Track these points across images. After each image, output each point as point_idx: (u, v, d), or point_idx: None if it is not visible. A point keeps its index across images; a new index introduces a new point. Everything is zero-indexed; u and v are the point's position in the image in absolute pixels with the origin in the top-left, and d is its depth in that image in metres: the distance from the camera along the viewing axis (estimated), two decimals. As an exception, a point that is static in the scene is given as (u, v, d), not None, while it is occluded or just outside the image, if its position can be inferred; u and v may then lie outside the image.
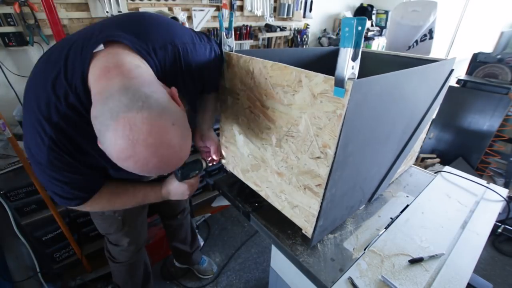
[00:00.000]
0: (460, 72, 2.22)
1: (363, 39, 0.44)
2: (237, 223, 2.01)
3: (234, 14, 2.06)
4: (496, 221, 0.91)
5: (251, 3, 2.12)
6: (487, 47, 2.21)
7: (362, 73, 0.52)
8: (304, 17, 2.52)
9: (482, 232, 0.83)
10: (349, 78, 0.47)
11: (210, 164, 0.94)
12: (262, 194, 0.87)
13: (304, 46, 2.54)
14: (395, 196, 0.99)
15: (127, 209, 0.93)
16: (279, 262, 0.96)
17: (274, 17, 2.32)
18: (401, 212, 0.90)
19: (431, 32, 2.25)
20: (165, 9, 1.73)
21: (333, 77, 0.49)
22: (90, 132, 0.55)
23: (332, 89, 0.50)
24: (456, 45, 2.84)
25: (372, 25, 2.98)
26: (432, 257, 0.72)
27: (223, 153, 1.01)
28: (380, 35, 2.99)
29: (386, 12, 2.98)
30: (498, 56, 2.06)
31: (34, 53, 1.42)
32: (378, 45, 2.92)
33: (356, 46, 0.44)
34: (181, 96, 0.59)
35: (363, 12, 2.98)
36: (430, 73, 0.77)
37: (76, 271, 1.47)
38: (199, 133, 0.93)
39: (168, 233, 1.40)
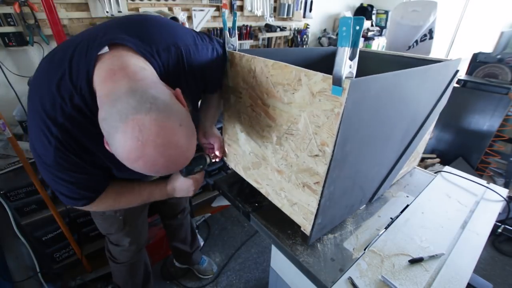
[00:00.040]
0: (460, 72, 2.21)
1: (360, 38, 0.44)
2: (237, 223, 2.01)
3: (237, 13, 2.07)
4: (496, 221, 0.91)
5: (251, 3, 2.12)
6: (487, 47, 2.21)
7: (364, 73, 0.52)
8: (304, 17, 2.52)
9: (482, 232, 0.83)
10: (346, 77, 0.48)
11: (214, 160, 0.95)
12: (262, 191, 0.88)
13: (304, 46, 2.54)
14: (395, 196, 0.99)
15: (128, 209, 0.94)
16: (279, 262, 0.96)
17: (274, 17, 2.32)
18: (401, 212, 0.90)
19: (431, 32, 2.25)
20: (165, 9, 1.73)
21: (331, 76, 0.50)
22: (95, 133, 0.56)
23: (330, 87, 0.51)
24: (456, 45, 2.84)
25: (372, 25, 2.98)
26: (432, 257, 0.72)
27: (226, 150, 1.01)
28: (380, 35, 2.99)
29: (386, 12, 2.98)
30: (498, 56, 2.06)
31: (34, 53, 1.42)
32: (378, 45, 2.92)
33: (354, 45, 0.44)
34: (184, 96, 0.59)
35: (363, 12, 2.98)
36: (433, 74, 0.77)
37: (76, 271, 1.47)
38: (202, 130, 0.94)
39: (168, 233, 1.40)
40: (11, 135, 1.04)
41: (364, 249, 0.75)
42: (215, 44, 0.76)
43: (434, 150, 2.40)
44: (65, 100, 0.54)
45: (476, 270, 1.10)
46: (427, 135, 1.01)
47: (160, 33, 0.64)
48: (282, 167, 0.73)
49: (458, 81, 2.16)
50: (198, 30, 1.21)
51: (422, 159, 2.30)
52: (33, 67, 0.71)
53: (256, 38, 2.28)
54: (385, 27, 3.01)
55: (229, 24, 0.75)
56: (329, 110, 0.53)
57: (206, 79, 0.77)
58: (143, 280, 1.20)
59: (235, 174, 1.02)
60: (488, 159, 2.14)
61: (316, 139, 0.59)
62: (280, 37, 2.45)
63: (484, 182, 1.06)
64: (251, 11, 2.14)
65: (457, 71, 0.91)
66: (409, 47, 2.34)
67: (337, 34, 2.79)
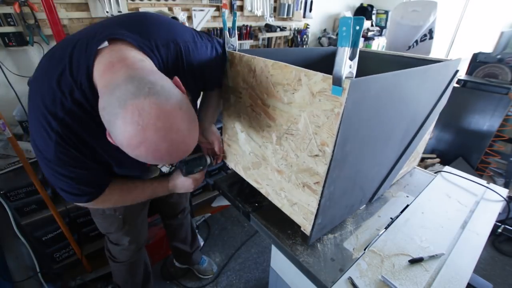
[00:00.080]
0: (460, 72, 2.21)
1: (361, 38, 0.44)
2: (237, 223, 2.01)
3: (237, 14, 2.07)
4: (496, 221, 0.91)
5: (251, 3, 2.12)
6: (487, 47, 2.21)
7: (364, 73, 0.52)
8: (304, 17, 2.52)
9: (482, 232, 0.83)
10: (346, 77, 0.48)
11: (214, 162, 0.95)
12: (262, 191, 0.88)
13: (304, 46, 2.54)
14: (395, 196, 0.99)
15: (127, 208, 0.94)
16: (279, 262, 0.96)
17: (274, 17, 2.32)
18: (401, 212, 0.90)
19: (431, 32, 2.25)
20: (165, 9, 1.73)
21: (331, 76, 0.49)
22: (95, 128, 0.57)
23: (330, 87, 0.51)
24: (456, 45, 2.84)
25: (372, 25, 2.98)
26: (432, 257, 0.72)
27: (225, 150, 1.01)
28: (380, 35, 2.99)
29: (386, 12, 2.98)
30: (498, 56, 2.06)
31: (34, 53, 1.42)
32: (378, 45, 2.92)
33: (354, 45, 0.44)
34: None
35: (363, 12, 2.98)
36: (433, 74, 0.77)
37: (76, 271, 1.47)
38: (201, 129, 0.94)
39: (169, 232, 1.40)
40: (11, 135, 1.04)
41: (364, 249, 0.75)
42: (215, 43, 0.76)
43: (434, 150, 2.40)
44: (66, 95, 0.54)
45: (476, 270, 1.10)
46: (427, 135, 1.01)
47: (158, 30, 0.64)
48: (282, 167, 0.73)
49: (458, 81, 2.16)
50: (198, 30, 1.21)
51: (422, 159, 2.30)
52: (33, 67, 0.71)
53: (256, 38, 2.28)
54: (385, 27, 3.01)
55: (229, 24, 0.75)
56: (329, 110, 0.53)
57: (205, 77, 0.77)
58: (143, 279, 1.20)
59: (235, 174, 1.02)
60: (488, 159, 2.14)
61: (316, 139, 0.59)
62: (280, 37, 2.45)
63: (484, 182, 1.06)
64: (251, 11, 2.14)
65: (457, 71, 0.91)
66: (409, 47, 2.34)
67: (337, 34, 2.79)
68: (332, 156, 0.56)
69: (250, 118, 0.79)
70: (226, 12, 1.96)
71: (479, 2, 2.59)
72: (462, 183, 1.07)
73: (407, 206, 0.92)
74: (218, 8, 1.97)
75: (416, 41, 2.31)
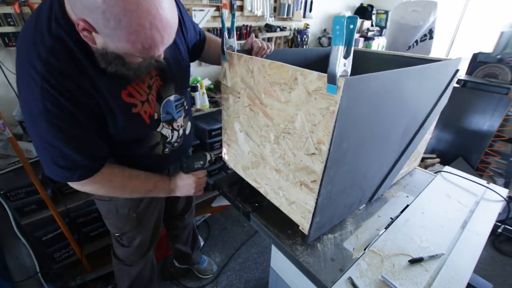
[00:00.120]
0: (460, 72, 2.21)
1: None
2: (237, 223, 2.01)
3: (235, 14, 2.07)
4: (496, 221, 0.91)
5: (251, 3, 2.12)
6: (487, 47, 2.21)
7: (364, 73, 0.52)
8: (304, 17, 2.52)
9: (482, 232, 0.83)
10: (341, 75, 0.48)
11: (214, 158, 0.95)
12: (261, 191, 0.88)
13: (304, 46, 2.54)
14: (395, 196, 0.99)
15: (140, 208, 0.93)
16: (279, 262, 0.96)
17: (274, 17, 2.32)
18: (401, 212, 0.90)
19: (431, 32, 2.25)
20: (165, 9, 1.73)
21: (326, 75, 0.50)
22: (84, 63, 0.55)
23: (325, 86, 0.51)
24: (456, 45, 2.84)
25: (372, 25, 2.98)
26: (432, 257, 0.72)
27: (224, 150, 1.01)
28: (380, 35, 2.99)
29: (386, 12, 2.98)
30: (498, 56, 2.06)
31: (34, 53, 1.42)
32: (378, 45, 2.92)
33: (348, 44, 0.45)
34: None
35: (363, 12, 2.98)
36: (432, 73, 0.77)
37: (76, 271, 1.48)
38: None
39: (172, 235, 1.38)
40: (11, 135, 1.04)
41: (364, 249, 0.75)
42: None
43: (434, 150, 2.40)
44: (43, 33, 0.53)
45: (476, 270, 1.10)
46: (428, 135, 1.01)
47: None
48: (280, 166, 0.73)
49: (458, 81, 2.16)
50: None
51: (422, 159, 2.29)
52: (33, 67, 0.73)
53: (256, 38, 2.27)
54: (385, 27, 3.01)
55: (228, 24, 0.76)
56: (324, 109, 0.54)
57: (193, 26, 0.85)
58: (147, 281, 1.19)
59: (235, 174, 1.02)
60: (488, 159, 2.14)
61: (312, 137, 0.59)
62: (280, 37, 2.45)
63: (484, 182, 1.06)
64: (251, 11, 2.14)
65: (457, 70, 0.91)
66: (409, 47, 2.34)
67: (337, 34, 2.78)
68: (329, 154, 0.57)
69: (248, 117, 0.80)
70: (226, 12, 1.96)
71: (479, 2, 2.59)
72: (462, 183, 1.07)
73: (407, 206, 0.92)
74: (218, 8, 1.97)
75: (416, 41, 2.31)
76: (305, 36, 2.51)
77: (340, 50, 0.45)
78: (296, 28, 2.51)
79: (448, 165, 1.30)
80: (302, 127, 0.61)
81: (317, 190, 0.63)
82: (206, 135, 1.79)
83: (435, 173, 1.14)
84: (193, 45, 0.91)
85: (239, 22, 2.14)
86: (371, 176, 0.81)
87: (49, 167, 0.62)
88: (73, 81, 0.56)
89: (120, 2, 0.45)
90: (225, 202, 2.05)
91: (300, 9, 2.46)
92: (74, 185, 0.68)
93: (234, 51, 0.78)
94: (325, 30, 2.84)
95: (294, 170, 0.69)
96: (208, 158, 0.91)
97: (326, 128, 0.55)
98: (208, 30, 1.98)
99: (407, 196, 0.99)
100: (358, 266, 0.70)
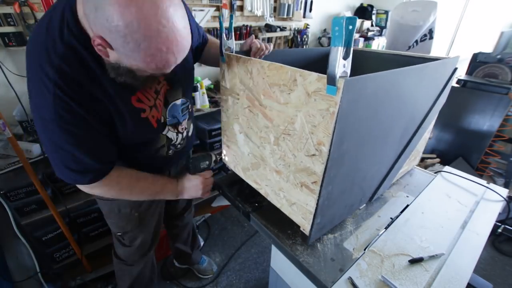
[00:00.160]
0: (460, 72, 2.22)
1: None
2: (237, 223, 2.01)
3: (234, 15, 2.06)
4: (496, 221, 0.91)
5: (251, 3, 2.12)
6: (487, 47, 2.21)
7: (364, 72, 0.52)
8: (304, 17, 2.52)
9: (482, 232, 0.83)
10: (340, 76, 0.48)
11: (219, 158, 0.96)
12: (262, 192, 0.88)
13: (304, 46, 2.54)
14: (395, 196, 0.99)
15: (142, 207, 0.93)
16: (279, 262, 0.96)
17: (274, 17, 2.32)
18: (401, 212, 0.90)
19: (431, 32, 2.25)
20: (165, 9, 1.73)
21: (325, 76, 0.50)
22: (95, 71, 0.56)
23: (325, 87, 0.51)
24: (456, 45, 2.84)
25: (372, 25, 2.98)
26: (432, 257, 0.72)
27: (224, 151, 1.01)
28: (380, 35, 2.99)
29: (386, 12, 2.98)
30: (498, 56, 2.06)
31: (34, 53, 1.42)
32: (378, 45, 2.92)
33: (347, 44, 0.45)
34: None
35: (363, 12, 2.98)
36: (430, 71, 0.77)
37: (76, 271, 1.48)
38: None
39: (172, 234, 1.39)
40: (11, 135, 1.04)
41: (364, 249, 0.75)
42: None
43: (434, 150, 2.40)
44: (55, 40, 0.53)
45: (476, 270, 1.10)
46: (426, 134, 1.01)
47: None
48: (280, 167, 0.73)
49: (458, 81, 2.16)
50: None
51: (422, 159, 2.30)
52: (33, 67, 0.73)
53: (256, 38, 2.27)
54: (385, 27, 3.01)
55: (226, 25, 0.76)
56: (324, 110, 0.54)
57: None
58: (147, 281, 1.19)
59: (235, 174, 1.01)
60: (488, 159, 2.14)
61: (312, 138, 0.59)
62: (280, 37, 2.44)
63: (484, 182, 1.06)
64: (251, 11, 2.14)
65: (456, 68, 0.91)
66: (409, 47, 2.35)
67: (337, 34, 2.78)
68: (329, 155, 0.57)
69: (248, 119, 0.79)
70: (226, 12, 1.96)
71: (479, 2, 2.59)
72: (462, 183, 1.07)
73: (407, 206, 0.92)
74: (218, 8, 1.97)
75: (416, 41, 2.31)
76: (305, 36, 2.51)
77: (339, 51, 0.45)
78: (296, 28, 2.51)
79: (448, 165, 1.30)
80: (302, 128, 0.61)
81: (318, 191, 0.63)
82: (206, 135, 1.79)
83: (435, 173, 1.14)
84: (196, 47, 0.92)
85: (239, 22, 2.14)
86: (371, 176, 0.81)
87: (60, 170, 0.63)
88: (85, 88, 0.57)
89: (141, 29, 0.45)
90: (225, 202, 2.05)
91: (300, 9, 2.46)
92: (84, 187, 0.69)
93: (232, 52, 0.78)
94: (325, 30, 2.84)
95: (294, 171, 0.68)
96: (214, 158, 0.92)
97: (326, 129, 0.55)
98: (208, 30, 1.98)
99: (407, 196, 0.99)
100: (358, 266, 0.70)
